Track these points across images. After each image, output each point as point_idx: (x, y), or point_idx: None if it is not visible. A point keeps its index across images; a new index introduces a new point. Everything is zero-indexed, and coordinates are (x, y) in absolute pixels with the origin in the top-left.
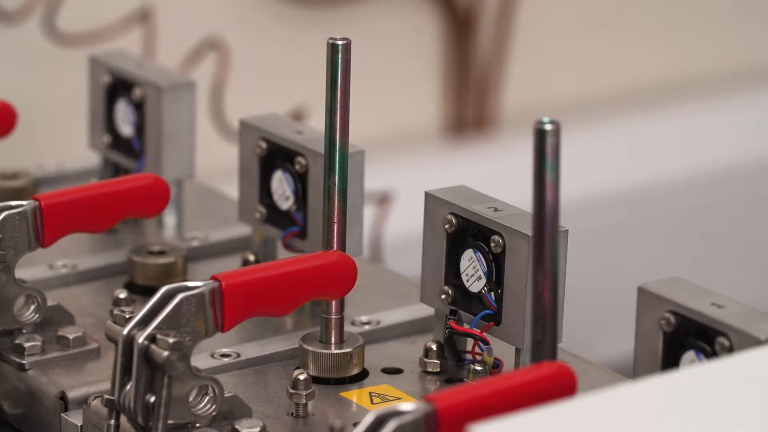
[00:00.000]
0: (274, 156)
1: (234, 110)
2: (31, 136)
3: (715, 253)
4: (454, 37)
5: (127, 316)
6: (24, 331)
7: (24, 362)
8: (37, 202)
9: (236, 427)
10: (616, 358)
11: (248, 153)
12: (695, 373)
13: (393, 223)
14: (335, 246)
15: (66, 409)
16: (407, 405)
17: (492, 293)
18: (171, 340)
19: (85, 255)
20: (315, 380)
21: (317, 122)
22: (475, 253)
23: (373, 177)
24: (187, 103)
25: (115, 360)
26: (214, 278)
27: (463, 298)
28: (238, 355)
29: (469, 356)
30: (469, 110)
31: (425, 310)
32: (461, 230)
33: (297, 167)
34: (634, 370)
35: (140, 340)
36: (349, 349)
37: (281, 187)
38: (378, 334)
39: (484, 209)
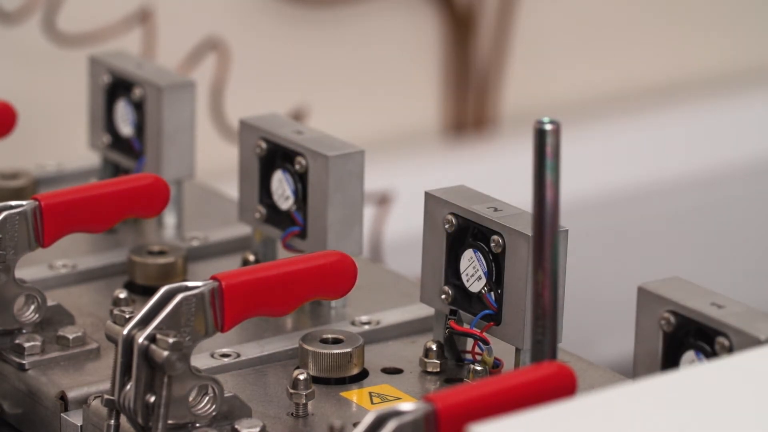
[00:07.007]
0: (274, 156)
1: (234, 110)
2: (31, 136)
3: (715, 253)
4: (454, 37)
5: (127, 316)
6: (24, 331)
7: (24, 362)
8: (37, 202)
9: (236, 427)
10: (616, 358)
11: (248, 153)
12: (695, 373)
13: (393, 223)
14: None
15: (66, 409)
16: (407, 405)
17: (492, 293)
18: (171, 340)
19: (85, 255)
20: (315, 380)
21: (317, 122)
22: (475, 253)
23: (373, 177)
24: (187, 103)
25: (115, 360)
26: (214, 278)
27: (463, 298)
28: (238, 355)
29: (469, 356)
30: (468, 110)
31: (425, 310)
32: (461, 230)
33: (297, 167)
34: (634, 370)
35: (140, 340)
36: (349, 349)
37: (281, 187)
38: (378, 334)
39: (484, 209)
